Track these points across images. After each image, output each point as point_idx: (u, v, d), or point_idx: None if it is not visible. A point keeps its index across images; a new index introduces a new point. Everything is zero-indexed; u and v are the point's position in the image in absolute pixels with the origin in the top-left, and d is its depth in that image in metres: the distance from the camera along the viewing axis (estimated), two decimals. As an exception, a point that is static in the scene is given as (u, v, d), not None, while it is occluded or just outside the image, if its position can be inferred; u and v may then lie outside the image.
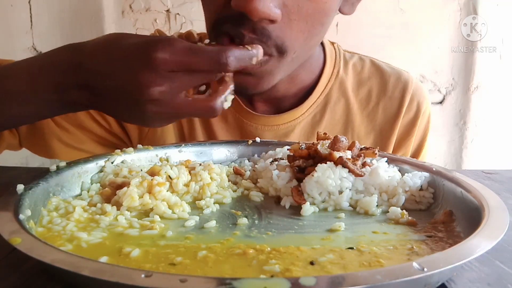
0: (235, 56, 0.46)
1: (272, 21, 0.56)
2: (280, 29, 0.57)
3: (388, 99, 0.80)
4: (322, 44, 0.80)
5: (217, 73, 0.48)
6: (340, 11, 0.68)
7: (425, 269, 0.28)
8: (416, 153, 0.83)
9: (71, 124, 0.75)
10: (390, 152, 0.80)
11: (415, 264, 0.28)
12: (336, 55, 0.82)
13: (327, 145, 0.52)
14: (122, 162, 0.57)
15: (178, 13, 1.49)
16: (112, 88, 0.48)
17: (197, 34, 0.82)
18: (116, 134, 0.79)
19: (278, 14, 0.55)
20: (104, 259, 0.35)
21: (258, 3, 0.52)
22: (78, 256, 0.31)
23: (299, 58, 0.64)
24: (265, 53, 0.57)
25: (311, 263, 0.34)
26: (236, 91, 0.66)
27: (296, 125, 0.77)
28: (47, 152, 0.76)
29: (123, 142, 0.80)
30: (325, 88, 0.79)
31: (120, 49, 0.48)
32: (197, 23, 1.48)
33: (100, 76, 0.48)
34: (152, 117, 0.48)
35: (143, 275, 0.27)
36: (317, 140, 0.55)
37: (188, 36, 0.81)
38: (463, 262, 0.30)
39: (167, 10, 1.49)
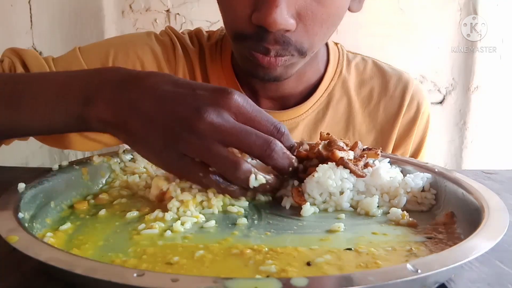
0: (287, 130, 0.47)
1: (288, 31, 0.61)
2: (298, 35, 0.63)
3: (389, 99, 0.82)
4: (326, 44, 0.82)
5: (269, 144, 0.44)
6: (349, 9, 0.71)
7: (419, 271, 0.28)
8: (416, 153, 0.85)
9: None
10: (390, 150, 0.81)
11: (408, 266, 0.28)
12: (339, 55, 0.84)
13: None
14: (131, 159, 0.58)
15: (178, 13, 1.49)
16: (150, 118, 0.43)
17: (206, 31, 0.84)
18: None
19: (293, 24, 0.61)
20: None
21: (276, 16, 0.58)
22: (73, 255, 0.31)
23: (315, 52, 0.70)
24: (287, 55, 0.64)
25: (308, 263, 0.34)
26: (259, 79, 0.70)
27: (300, 122, 0.79)
28: (62, 143, 0.75)
29: None
30: (328, 86, 0.81)
31: (185, 83, 0.45)
32: (197, 23, 1.48)
33: (148, 100, 0.44)
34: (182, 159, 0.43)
35: (135, 274, 0.27)
36: (320, 140, 0.55)
37: (197, 33, 0.83)
38: (459, 264, 0.30)
39: (167, 10, 1.49)
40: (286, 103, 0.80)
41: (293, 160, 0.47)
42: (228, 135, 0.42)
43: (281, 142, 0.45)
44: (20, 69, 0.70)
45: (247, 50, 0.65)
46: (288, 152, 0.46)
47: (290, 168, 0.47)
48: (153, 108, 0.43)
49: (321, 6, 0.62)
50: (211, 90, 0.44)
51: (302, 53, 0.65)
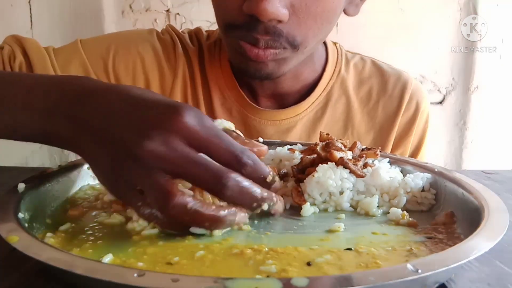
0: (255, 159, 0.40)
1: (280, 21, 0.61)
2: (290, 27, 0.62)
3: (388, 98, 0.82)
4: (324, 43, 0.82)
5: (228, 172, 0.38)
6: (345, 12, 0.71)
7: (419, 271, 0.28)
8: (415, 153, 0.85)
9: None
10: (389, 150, 0.81)
11: (409, 266, 0.28)
12: (338, 54, 0.84)
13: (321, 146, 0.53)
14: None
15: (178, 13, 1.49)
16: (104, 136, 0.39)
17: (206, 31, 0.84)
18: None
19: (285, 15, 0.60)
20: (109, 256, 0.35)
21: (267, 5, 0.57)
22: (73, 255, 0.31)
23: (309, 49, 0.69)
24: (278, 47, 0.63)
25: (308, 263, 0.34)
26: (250, 76, 0.69)
27: (298, 121, 0.79)
28: None
29: None
30: (326, 85, 0.81)
31: (138, 100, 0.39)
32: (197, 23, 1.48)
33: (98, 118, 0.39)
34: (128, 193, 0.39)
35: (135, 274, 0.27)
36: (320, 141, 0.55)
37: (197, 32, 0.83)
38: (459, 264, 0.30)
39: (167, 10, 1.49)
40: (285, 102, 0.80)
41: (258, 195, 0.39)
42: (171, 164, 0.36)
43: (243, 174, 0.38)
44: (20, 58, 0.70)
45: (236, 41, 0.65)
46: (249, 187, 0.39)
47: (255, 204, 0.40)
48: (102, 128, 0.39)
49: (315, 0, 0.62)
50: (162, 109, 0.38)
51: (294, 47, 0.64)
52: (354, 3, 0.71)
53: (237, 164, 0.38)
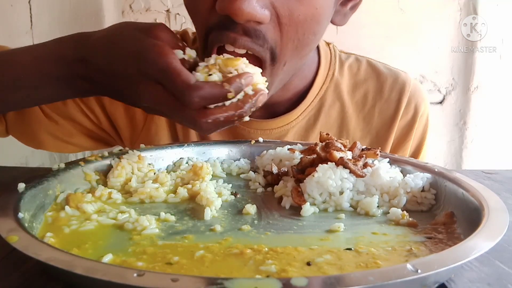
0: (201, 97, 0.45)
1: (259, 23, 0.54)
2: (273, 30, 0.56)
3: (384, 102, 0.79)
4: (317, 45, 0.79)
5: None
6: (332, 21, 0.66)
7: (419, 271, 0.28)
8: (415, 155, 0.82)
9: (60, 116, 0.73)
10: None
11: (409, 266, 0.28)
12: (331, 56, 0.80)
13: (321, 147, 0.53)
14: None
15: (178, 13, 1.49)
16: (112, 78, 0.51)
17: (193, 33, 0.81)
18: (105, 130, 0.78)
19: (265, 15, 0.54)
20: (109, 256, 0.35)
21: (242, 4, 0.51)
22: (73, 255, 0.31)
23: (291, 68, 0.63)
24: (259, 52, 0.57)
25: (308, 263, 0.34)
26: None
27: (290, 130, 0.76)
28: (34, 142, 0.74)
29: (113, 139, 0.80)
30: (319, 91, 0.77)
31: (121, 40, 0.51)
32: (197, 23, 1.48)
33: (101, 70, 0.52)
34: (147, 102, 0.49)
35: (135, 274, 0.27)
36: (320, 141, 0.55)
37: (183, 35, 0.81)
38: (459, 264, 0.30)
39: (167, 10, 1.49)
40: (276, 110, 0.76)
41: (235, 117, 0.47)
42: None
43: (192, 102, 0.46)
44: None
45: (213, 49, 0.57)
46: (223, 117, 0.46)
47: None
48: (105, 68, 0.51)
49: (300, 4, 0.56)
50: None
51: (273, 58, 0.58)
52: (341, 13, 0.67)
53: (183, 99, 0.46)
